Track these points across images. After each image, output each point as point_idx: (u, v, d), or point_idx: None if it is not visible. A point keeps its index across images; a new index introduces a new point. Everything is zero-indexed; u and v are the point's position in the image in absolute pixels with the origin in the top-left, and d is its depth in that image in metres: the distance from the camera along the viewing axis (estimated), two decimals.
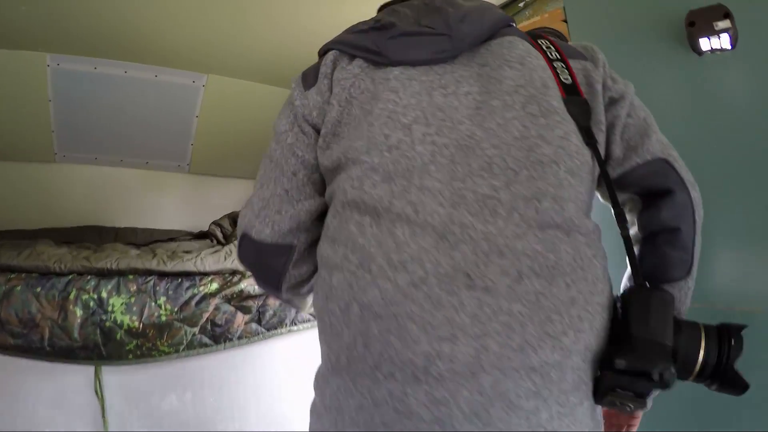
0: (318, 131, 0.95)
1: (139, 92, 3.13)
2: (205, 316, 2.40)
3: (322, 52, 1.04)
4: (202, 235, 3.47)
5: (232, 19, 2.27)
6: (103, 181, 3.53)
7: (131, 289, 2.30)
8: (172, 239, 3.35)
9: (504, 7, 2.41)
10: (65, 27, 2.42)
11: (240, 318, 2.49)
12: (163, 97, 3.19)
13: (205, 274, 2.46)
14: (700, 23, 1.64)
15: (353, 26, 1.03)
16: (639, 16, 1.86)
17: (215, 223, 3.46)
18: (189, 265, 2.42)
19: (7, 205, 3.21)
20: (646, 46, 1.83)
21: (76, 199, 3.46)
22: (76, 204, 3.46)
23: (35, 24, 2.36)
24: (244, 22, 2.21)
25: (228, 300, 2.46)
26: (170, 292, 2.34)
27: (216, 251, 2.57)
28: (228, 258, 2.55)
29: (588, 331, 0.74)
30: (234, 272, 2.54)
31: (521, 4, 2.35)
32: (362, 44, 0.96)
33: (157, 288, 2.33)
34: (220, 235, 3.35)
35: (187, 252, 2.62)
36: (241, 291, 2.47)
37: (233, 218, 3.51)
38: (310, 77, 0.99)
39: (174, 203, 3.82)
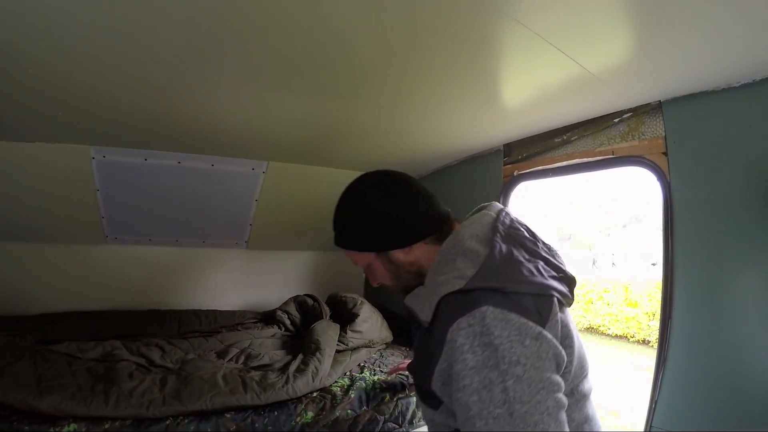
0: None
1: (194, 181, 3.04)
2: None
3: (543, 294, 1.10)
4: (268, 317, 3.44)
5: (286, 109, 2.21)
6: (157, 259, 3.50)
7: (231, 429, 2.30)
8: (238, 325, 3.32)
9: (594, 120, 2.33)
10: (109, 122, 2.32)
11: None
12: (221, 184, 3.11)
13: (298, 399, 2.45)
14: None
15: (516, 264, 1.12)
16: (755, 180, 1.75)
17: (282, 309, 3.43)
18: (281, 394, 2.40)
19: (62, 285, 3.25)
20: (754, 219, 1.75)
21: (132, 277, 3.44)
22: (133, 282, 3.44)
23: (75, 119, 2.26)
24: (298, 111, 2.23)
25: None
26: (269, 428, 2.35)
27: (302, 371, 2.54)
28: (316, 378, 2.54)
29: None
30: (324, 392, 2.53)
31: (616, 120, 2.23)
32: (560, 290, 1.13)
33: (256, 425, 2.33)
34: (288, 322, 3.33)
35: (271, 369, 2.59)
36: (336, 419, 2.48)
37: (299, 303, 3.48)
38: (531, 314, 1.03)
39: (232, 277, 3.80)
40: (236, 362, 2.80)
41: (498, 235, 1.16)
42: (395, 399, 2.58)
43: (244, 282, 3.86)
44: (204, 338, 3.13)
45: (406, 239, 1.26)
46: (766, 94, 1.73)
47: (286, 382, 2.44)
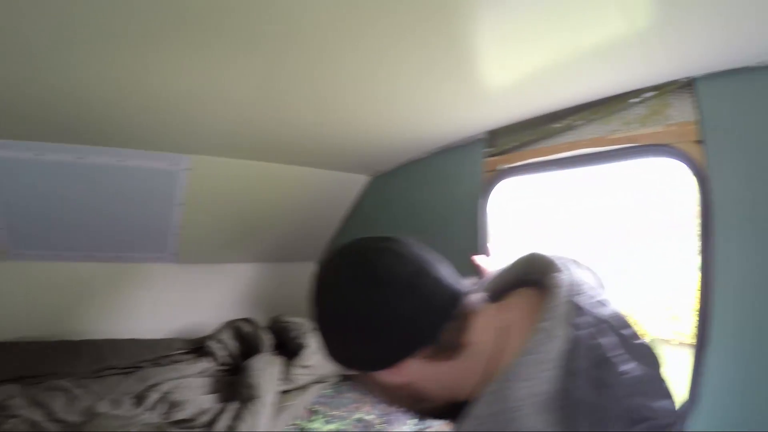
0: None
1: (100, 180, 2.47)
2: None
3: None
4: (199, 348, 2.87)
5: (212, 88, 1.71)
6: (68, 278, 2.92)
7: None
8: (162, 358, 2.74)
9: (604, 101, 1.89)
10: None
11: None
12: (134, 184, 2.54)
13: None
14: None
15: None
16: None
17: (214, 338, 2.84)
18: None
19: None
20: None
21: (37, 300, 2.87)
22: (38, 306, 2.87)
23: None
24: (229, 91, 1.74)
25: None
26: None
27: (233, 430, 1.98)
28: None
29: None
30: None
31: (634, 100, 1.80)
32: None
33: None
34: (223, 353, 2.75)
35: (197, 425, 2.03)
36: None
37: (236, 328, 2.89)
38: None
39: (158, 297, 3.19)
40: (154, 411, 2.22)
41: None
42: None
43: (173, 303, 3.24)
44: (124, 376, 2.55)
45: None
46: None
47: None
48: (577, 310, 0.78)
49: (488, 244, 2.39)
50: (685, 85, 1.66)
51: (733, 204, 1.57)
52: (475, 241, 2.40)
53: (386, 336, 0.83)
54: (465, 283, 0.92)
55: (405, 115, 2.09)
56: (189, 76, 1.58)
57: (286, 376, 2.42)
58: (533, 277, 0.92)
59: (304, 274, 3.73)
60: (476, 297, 0.91)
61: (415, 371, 0.85)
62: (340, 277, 0.87)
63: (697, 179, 1.64)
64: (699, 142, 1.63)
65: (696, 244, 1.66)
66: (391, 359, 0.84)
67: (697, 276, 1.66)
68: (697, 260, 1.65)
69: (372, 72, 1.62)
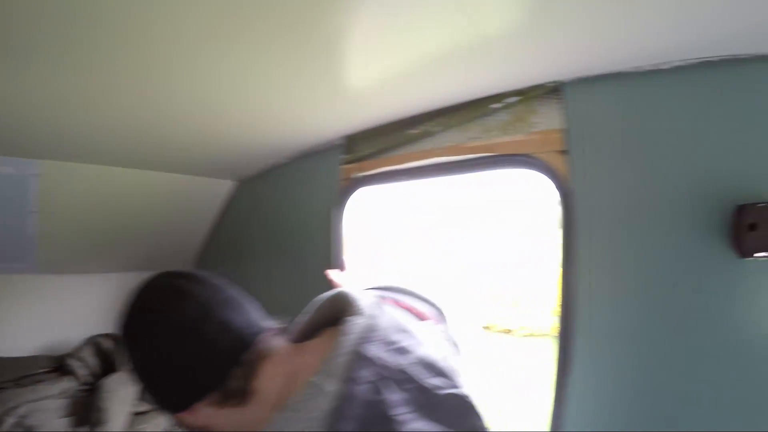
0: None
1: None
2: None
3: None
4: (61, 366, 2.67)
5: (68, 95, 1.60)
6: None
7: None
8: (25, 377, 2.55)
9: (464, 106, 1.78)
10: None
11: None
12: None
13: None
14: (764, 230, 1.21)
15: None
16: (669, 186, 1.40)
17: (74, 355, 2.66)
18: None
19: None
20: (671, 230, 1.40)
21: None
22: None
23: None
24: (87, 96, 1.62)
25: None
26: None
27: None
28: None
29: None
30: None
31: (496, 105, 1.68)
32: None
33: None
34: (84, 372, 2.58)
35: None
36: None
37: (97, 345, 2.72)
38: None
39: (21, 314, 2.97)
40: None
41: None
42: None
43: (37, 317, 3.03)
44: None
45: None
46: (706, 79, 1.35)
47: None
48: (362, 361, 0.73)
49: (343, 256, 2.28)
50: (552, 91, 1.57)
51: (598, 218, 1.50)
52: (330, 253, 2.28)
53: (170, 380, 0.83)
54: (266, 324, 0.89)
55: (264, 117, 1.98)
56: (33, 80, 1.47)
57: (143, 397, 2.31)
58: (339, 316, 0.86)
59: None
60: (273, 340, 0.87)
61: (208, 416, 0.83)
62: (130, 319, 0.88)
63: (560, 192, 1.57)
64: (564, 152, 1.55)
65: (558, 255, 1.60)
66: (179, 403, 0.83)
67: (558, 290, 1.60)
68: (559, 274, 1.59)
69: (229, 73, 1.52)
